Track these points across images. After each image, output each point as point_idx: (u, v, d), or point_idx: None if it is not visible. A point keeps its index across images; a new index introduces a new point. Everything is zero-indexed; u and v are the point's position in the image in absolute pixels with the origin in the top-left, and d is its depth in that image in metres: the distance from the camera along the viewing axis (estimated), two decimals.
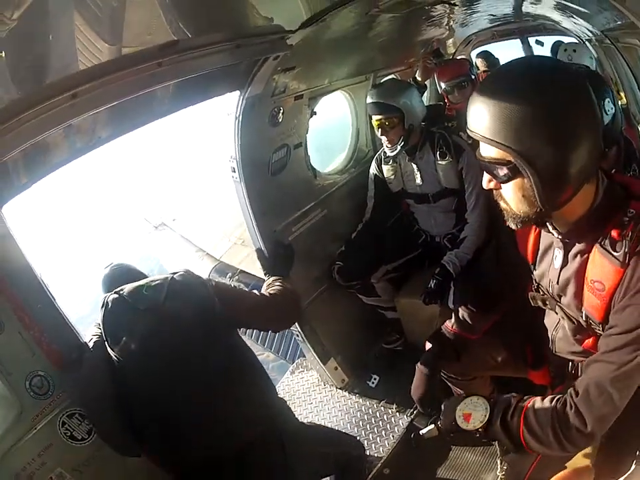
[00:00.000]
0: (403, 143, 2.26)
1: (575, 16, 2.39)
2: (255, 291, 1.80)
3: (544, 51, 3.88)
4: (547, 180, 0.93)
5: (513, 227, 1.05)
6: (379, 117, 2.25)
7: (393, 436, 2.29)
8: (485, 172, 1.03)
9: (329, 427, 2.31)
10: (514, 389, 1.99)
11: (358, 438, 2.28)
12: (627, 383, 0.98)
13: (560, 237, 1.09)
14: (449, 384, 1.80)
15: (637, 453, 1.29)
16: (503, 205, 1.05)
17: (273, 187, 2.29)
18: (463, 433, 1.26)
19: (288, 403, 2.60)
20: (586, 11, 2.13)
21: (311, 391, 2.64)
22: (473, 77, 2.88)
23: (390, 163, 2.45)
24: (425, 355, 1.60)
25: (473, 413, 1.22)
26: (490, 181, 1.03)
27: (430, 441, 1.75)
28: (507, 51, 4.20)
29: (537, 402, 1.13)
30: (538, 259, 1.26)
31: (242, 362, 1.60)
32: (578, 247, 1.07)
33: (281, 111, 2.20)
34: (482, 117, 0.94)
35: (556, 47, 3.55)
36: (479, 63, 3.79)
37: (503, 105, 0.90)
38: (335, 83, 2.58)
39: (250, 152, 2.10)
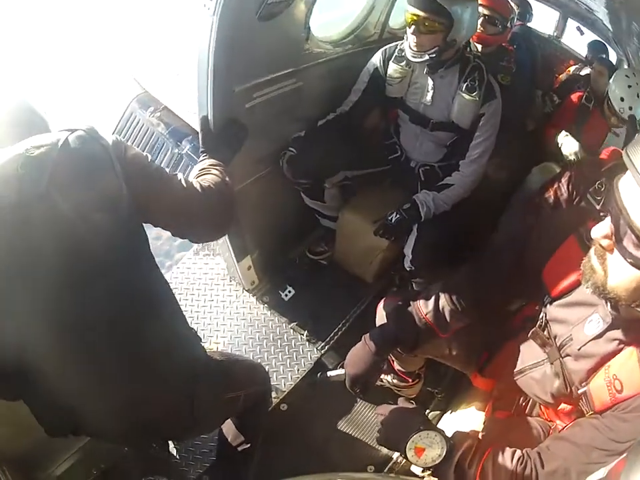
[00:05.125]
0: (434, 55, 1.80)
1: None
2: (181, 177, 1.17)
3: (581, 40, 3.68)
4: None
5: (587, 290, 0.92)
6: (421, 13, 1.73)
7: (297, 368, 2.06)
8: (612, 224, 0.81)
9: (241, 359, 1.88)
10: (444, 375, 2.03)
11: (259, 360, 2.03)
12: (587, 476, 0.93)
13: (613, 315, 0.97)
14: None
15: None
16: (595, 264, 0.88)
17: (253, 34, 1.67)
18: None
19: (182, 288, 2.28)
20: None
21: (213, 284, 2.27)
22: (509, 25, 2.56)
23: (402, 64, 1.98)
24: (380, 330, 1.36)
25: (427, 449, 1.08)
26: (607, 237, 0.83)
27: (335, 385, 1.64)
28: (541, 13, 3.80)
29: (498, 454, 1.04)
30: (565, 300, 1.11)
31: (155, 293, 1.11)
32: (620, 335, 0.98)
33: None
34: None
35: (595, 48, 3.36)
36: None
37: None
38: None
39: None
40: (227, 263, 2.23)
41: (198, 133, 1.65)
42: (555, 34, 3.96)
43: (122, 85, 2.86)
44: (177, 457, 1.82)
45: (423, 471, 1.12)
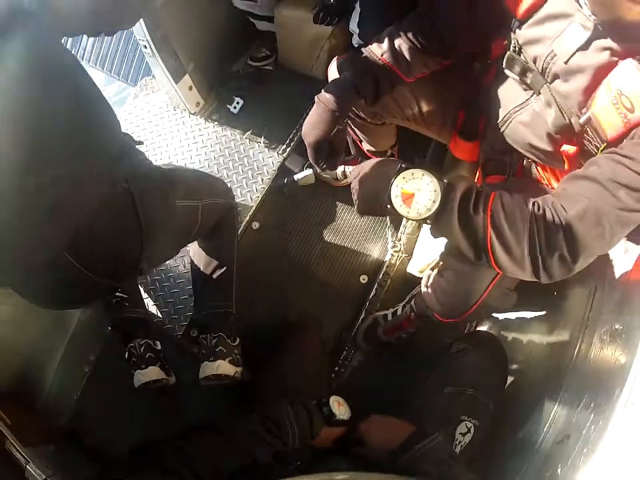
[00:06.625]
0: None
1: None
2: None
3: None
4: None
5: None
6: None
7: (261, 179, 1.98)
8: None
9: (192, 169, 1.88)
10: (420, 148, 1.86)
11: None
12: (623, 231, 0.84)
13: (595, 21, 0.84)
14: (350, 124, 1.45)
15: None
16: None
17: None
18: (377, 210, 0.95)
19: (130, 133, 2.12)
20: None
21: (158, 119, 2.16)
22: None
23: None
24: (334, 82, 1.16)
25: (416, 194, 0.86)
26: None
27: (306, 191, 1.59)
28: None
29: (506, 197, 0.86)
30: (534, 18, 0.96)
31: (86, 100, 0.97)
32: (610, 43, 0.85)
33: None
34: None
35: None
36: None
37: None
38: None
39: None
40: (168, 94, 2.08)
41: None
42: None
43: None
44: (159, 315, 1.73)
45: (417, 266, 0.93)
